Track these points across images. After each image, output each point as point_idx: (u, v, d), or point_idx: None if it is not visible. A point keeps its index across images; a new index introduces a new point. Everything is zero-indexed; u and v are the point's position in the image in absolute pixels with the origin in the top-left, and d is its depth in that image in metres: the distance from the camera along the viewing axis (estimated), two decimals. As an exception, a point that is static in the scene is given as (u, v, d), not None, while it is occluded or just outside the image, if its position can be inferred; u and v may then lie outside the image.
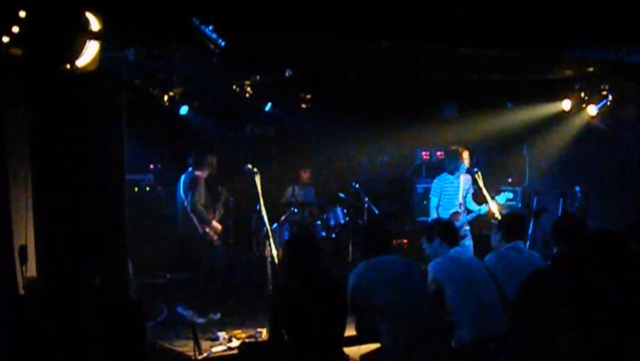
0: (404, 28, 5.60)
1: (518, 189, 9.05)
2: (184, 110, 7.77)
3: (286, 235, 8.03)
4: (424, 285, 4.51)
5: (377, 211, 8.97)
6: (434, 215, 7.41)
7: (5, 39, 4.23)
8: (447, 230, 5.00)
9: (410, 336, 4.18)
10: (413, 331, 4.19)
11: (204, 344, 5.70)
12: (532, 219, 8.48)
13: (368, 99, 9.00)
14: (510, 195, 7.24)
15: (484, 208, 7.17)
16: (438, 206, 7.42)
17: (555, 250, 4.68)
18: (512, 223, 5.22)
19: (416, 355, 4.16)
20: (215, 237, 7.17)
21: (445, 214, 7.39)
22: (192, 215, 7.06)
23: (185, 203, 7.11)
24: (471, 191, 7.43)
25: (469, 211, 7.35)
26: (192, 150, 7.47)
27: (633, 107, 7.71)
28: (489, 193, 7.15)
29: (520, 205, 9.04)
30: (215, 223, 7.22)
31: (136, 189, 8.70)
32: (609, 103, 7.73)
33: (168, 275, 8.60)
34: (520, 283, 4.20)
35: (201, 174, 7.18)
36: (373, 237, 4.60)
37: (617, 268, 3.75)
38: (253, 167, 6.71)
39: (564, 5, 5.50)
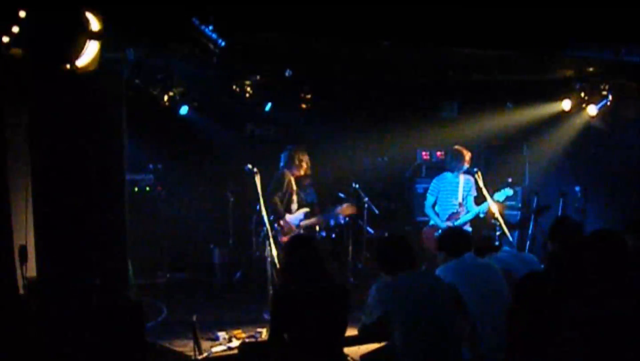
0: (404, 28, 5.60)
1: (518, 189, 9.03)
2: (184, 110, 7.77)
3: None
4: (445, 302, 4.33)
5: (377, 211, 8.96)
6: (430, 214, 7.46)
7: (5, 39, 4.23)
8: (448, 243, 4.88)
9: (424, 349, 4.15)
10: (427, 348, 4.15)
11: (204, 344, 5.70)
12: (532, 219, 8.48)
13: (368, 99, 8.99)
14: (510, 192, 7.22)
15: (482, 208, 7.18)
16: (434, 205, 7.47)
17: (550, 249, 4.67)
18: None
19: None
20: (284, 238, 7.11)
21: (443, 214, 7.41)
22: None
23: None
24: (473, 193, 7.44)
25: (468, 212, 7.36)
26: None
27: (633, 107, 7.70)
28: (488, 193, 7.16)
29: (520, 205, 9.05)
30: (287, 220, 7.14)
31: (136, 189, 8.69)
32: (609, 103, 7.72)
33: (168, 275, 8.61)
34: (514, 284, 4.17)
35: (288, 172, 7.26)
36: (396, 254, 4.42)
37: (616, 267, 3.75)
38: (253, 167, 6.71)
39: (564, 4, 5.50)
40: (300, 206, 7.45)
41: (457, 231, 5.32)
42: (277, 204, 7.10)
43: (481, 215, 7.29)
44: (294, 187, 7.32)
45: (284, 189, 7.19)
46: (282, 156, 7.38)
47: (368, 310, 4.33)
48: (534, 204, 8.65)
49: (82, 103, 5.08)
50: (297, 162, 7.27)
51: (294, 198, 7.32)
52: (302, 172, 7.31)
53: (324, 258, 4.29)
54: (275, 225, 7.06)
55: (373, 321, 4.30)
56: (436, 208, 7.49)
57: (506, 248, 5.29)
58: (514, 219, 8.94)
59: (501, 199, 7.18)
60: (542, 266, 5.28)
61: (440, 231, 7.32)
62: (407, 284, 4.27)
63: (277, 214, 7.10)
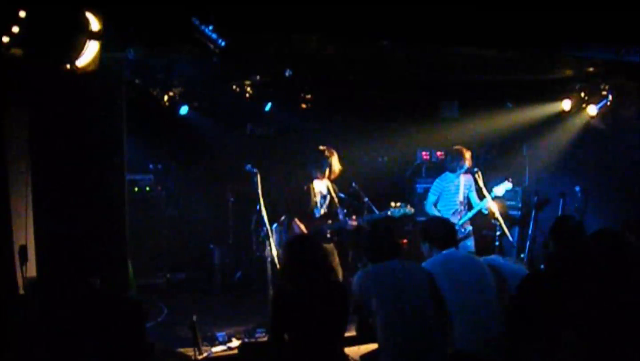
0: (404, 28, 5.60)
1: (518, 189, 9.04)
2: (184, 110, 7.77)
3: (286, 235, 8.02)
4: (424, 288, 4.34)
5: (377, 211, 8.95)
6: (432, 212, 7.40)
7: (5, 39, 4.23)
8: (435, 234, 4.82)
9: (404, 341, 4.15)
10: (408, 336, 4.15)
11: (204, 344, 5.70)
12: (533, 215, 8.48)
13: (368, 99, 8.99)
14: (509, 186, 7.23)
15: (483, 203, 7.17)
16: (436, 203, 7.44)
17: (550, 249, 4.66)
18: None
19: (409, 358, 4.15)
20: None
21: (446, 214, 7.39)
22: None
23: None
24: (474, 189, 7.44)
25: (471, 208, 7.35)
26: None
27: (633, 107, 7.70)
28: (489, 193, 7.15)
29: (520, 205, 9.04)
30: (297, 225, 6.80)
31: (136, 189, 8.70)
32: (609, 103, 7.73)
33: (168, 275, 8.61)
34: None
35: (311, 174, 6.89)
36: (379, 243, 4.49)
37: (616, 267, 3.75)
38: (253, 167, 6.69)
39: (564, 5, 5.50)
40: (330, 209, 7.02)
41: (443, 222, 5.16)
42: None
43: (484, 211, 7.27)
44: (316, 190, 6.98)
45: (306, 196, 6.89)
46: (313, 156, 6.94)
47: (352, 299, 4.34)
48: (534, 201, 8.65)
49: (82, 103, 5.08)
50: (334, 166, 6.88)
51: (317, 200, 6.96)
52: (332, 176, 6.94)
53: (324, 257, 4.29)
54: (276, 226, 6.96)
55: (359, 310, 4.32)
56: (438, 206, 7.47)
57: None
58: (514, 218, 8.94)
59: (501, 193, 7.18)
60: (540, 268, 5.29)
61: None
62: (387, 270, 4.32)
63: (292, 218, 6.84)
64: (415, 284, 4.32)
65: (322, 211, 6.92)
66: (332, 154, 6.91)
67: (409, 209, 6.92)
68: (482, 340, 4.29)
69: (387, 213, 6.91)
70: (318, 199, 6.92)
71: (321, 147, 6.93)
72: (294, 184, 6.98)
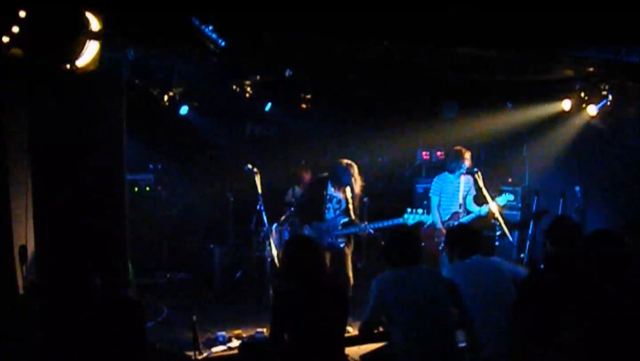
0: (404, 28, 5.60)
1: (518, 189, 9.04)
2: (184, 110, 7.77)
3: (286, 235, 8.02)
4: (441, 294, 4.35)
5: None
6: (435, 215, 7.36)
7: (5, 39, 4.24)
8: (456, 242, 4.81)
9: (420, 339, 4.16)
10: (424, 342, 4.15)
11: (204, 344, 5.70)
12: (532, 220, 8.48)
13: (368, 99, 8.99)
14: (511, 197, 7.21)
15: (484, 209, 7.14)
16: (439, 205, 7.40)
17: (548, 249, 4.66)
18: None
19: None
20: None
21: (445, 214, 7.37)
22: None
23: None
24: (472, 192, 7.42)
25: (468, 212, 7.33)
26: None
27: (633, 107, 7.70)
28: (489, 193, 7.14)
29: (520, 205, 9.05)
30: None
31: (136, 189, 8.70)
32: (609, 103, 7.72)
33: (168, 275, 8.61)
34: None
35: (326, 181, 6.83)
36: (401, 249, 4.44)
37: (615, 267, 3.75)
38: (253, 167, 6.68)
39: (563, 5, 5.50)
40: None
41: (469, 230, 5.14)
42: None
43: (482, 213, 7.26)
44: (329, 195, 6.83)
45: (317, 200, 6.81)
46: (340, 170, 6.71)
47: (368, 304, 4.35)
48: (534, 205, 8.65)
49: (82, 103, 5.08)
50: (357, 183, 6.76)
51: (329, 205, 6.80)
52: (357, 188, 6.81)
53: (322, 258, 4.29)
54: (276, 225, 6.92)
55: (372, 313, 4.33)
56: (439, 208, 7.43)
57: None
58: (514, 219, 8.94)
59: (502, 203, 7.16)
60: (540, 268, 5.27)
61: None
62: (406, 277, 4.31)
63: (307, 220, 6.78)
64: (435, 294, 4.31)
65: (332, 214, 6.77)
66: (355, 171, 6.75)
67: (425, 215, 6.77)
68: (504, 345, 4.28)
69: (401, 219, 6.72)
70: (332, 204, 6.82)
71: (346, 161, 6.74)
72: (308, 189, 6.88)
